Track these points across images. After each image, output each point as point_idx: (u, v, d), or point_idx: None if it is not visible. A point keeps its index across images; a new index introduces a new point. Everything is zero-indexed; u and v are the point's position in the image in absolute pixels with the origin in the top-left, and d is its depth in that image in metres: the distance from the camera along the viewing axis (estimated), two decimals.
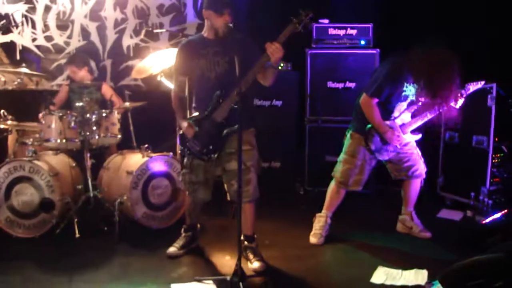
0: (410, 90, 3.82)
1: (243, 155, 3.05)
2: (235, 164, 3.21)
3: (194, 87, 3.56)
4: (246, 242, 3.53)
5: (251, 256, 3.48)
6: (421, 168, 4.07)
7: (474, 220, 4.55)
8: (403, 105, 3.91)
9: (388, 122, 3.88)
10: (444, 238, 4.06)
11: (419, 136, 3.98)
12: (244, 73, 3.13)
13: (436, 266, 3.32)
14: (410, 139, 3.96)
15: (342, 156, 4.02)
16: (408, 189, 4.15)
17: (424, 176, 4.13)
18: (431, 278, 3.09)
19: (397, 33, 5.00)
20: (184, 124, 3.46)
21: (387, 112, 3.89)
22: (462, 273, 2.57)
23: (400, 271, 3.31)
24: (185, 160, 3.56)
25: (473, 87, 3.94)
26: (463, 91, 3.89)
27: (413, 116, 3.96)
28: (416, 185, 4.14)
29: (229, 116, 3.31)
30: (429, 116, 3.89)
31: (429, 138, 4.68)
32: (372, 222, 4.55)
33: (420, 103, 3.90)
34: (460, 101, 3.86)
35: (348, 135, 4.02)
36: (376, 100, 3.78)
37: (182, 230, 3.83)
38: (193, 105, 3.58)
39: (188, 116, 3.62)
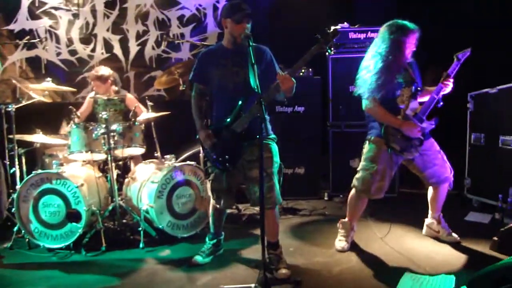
0: (400, 77, 3.75)
1: (264, 162, 3.05)
2: (257, 172, 3.18)
3: (213, 96, 3.57)
4: (270, 250, 3.52)
5: (275, 263, 3.46)
6: (447, 171, 3.97)
7: (503, 222, 4.45)
8: (404, 95, 3.80)
9: (399, 117, 3.76)
10: (472, 242, 3.98)
11: (435, 121, 3.83)
12: (263, 84, 3.09)
13: (464, 271, 3.27)
14: (428, 127, 3.85)
15: (362, 164, 3.92)
16: (435, 194, 4.05)
17: (451, 179, 4.01)
18: (459, 283, 3.04)
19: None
20: (203, 133, 3.49)
21: (392, 106, 3.78)
22: (490, 278, 2.51)
23: (427, 277, 3.25)
24: (208, 168, 3.59)
25: (462, 55, 3.80)
26: (454, 63, 3.75)
27: (421, 103, 3.88)
28: (443, 190, 4.03)
29: (249, 127, 3.33)
30: (436, 97, 3.77)
31: (453, 140, 4.60)
32: (398, 226, 4.48)
33: (421, 89, 3.84)
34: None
35: (367, 142, 3.93)
36: (374, 97, 3.71)
37: (207, 238, 3.85)
38: (213, 113, 3.60)
39: (208, 124, 3.63)
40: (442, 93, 3.76)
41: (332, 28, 3.13)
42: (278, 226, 3.53)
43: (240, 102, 3.35)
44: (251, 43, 3.02)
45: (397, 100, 3.80)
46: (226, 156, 3.41)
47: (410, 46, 3.69)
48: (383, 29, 3.76)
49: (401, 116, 3.76)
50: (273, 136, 3.52)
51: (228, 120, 3.39)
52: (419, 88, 3.81)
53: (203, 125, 3.55)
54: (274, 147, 3.48)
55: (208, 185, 3.62)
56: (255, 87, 3.03)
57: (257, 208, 3.22)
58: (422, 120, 3.77)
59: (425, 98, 3.84)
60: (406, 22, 3.68)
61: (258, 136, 2.98)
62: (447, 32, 5.34)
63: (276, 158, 3.47)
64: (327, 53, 5.66)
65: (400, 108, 3.79)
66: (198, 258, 3.71)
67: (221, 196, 3.58)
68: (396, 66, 3.69)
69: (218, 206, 3.63)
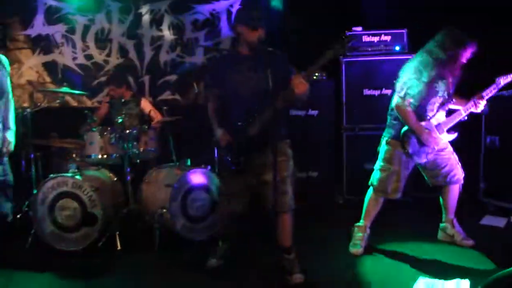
0: (440, 86, 3.77)
1: (279, 166, 3.09)
2: (270, 176, 3.13)
3: (228, 99, 3.55)
4: (284, 254, 3.52)
5: (289, 268, 3.46)
6: (459, 173, 3.98)
7: None
8: (436, 103, 3.84)
9: (423, 123, 3.80)
10: (488, 246, 3.94)
11: (455, 135, 3.89)
12: (278, 89, 3.15)
13: (479, 275, 3.25)
14: (447, 139, 3.88)
15: (379, 164, 3.98)
16: (447, 195, 4.06)
17: (462, 181, 4.03)
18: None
19: (432, 36, 4.95)
20: (220, 131, 3.48)
21: (421, 111, 3.82)
22: (506, 283, 2.49)
23: (441, 281, 3.23)
24: (221, 172, 3.60)
25: (503, 80, 3.83)
26: (493, 86, 3.82)
27: (447, 115, 3.90)
28: (455, 191, 4.04)
29: (263, 131, 3.29)
30: (463, 114, 3.82)
31: (468, 142, 4.58)
32: (412, 231, 4.45)
33: (453, 101, 3.84)
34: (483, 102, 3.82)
35: (384, 142, 3.98)
36: (410, 100, 3.73)
37: (220, 241, 3.83)
38: (228, 116, 3.57)
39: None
40: (470, 111, 3.81)
41: (347, 34, 3.13)
42: (291, 230, 3.52)
43: (253, 106, 3.34)
44: (268, 48, 3.04)
45: (427, 107, 3.82)
46: (241, 158, 3.41)
47: (464, 59, 3.71)
48: (442, 36, 3.74)
49: (424, 123, 3.80)
50: (287, 140, 3.51)
51: (244, 122, 3.38)
52: (452, 101, 3.83)
53: (219, 125, 3.54)
54: (289, 151, 3.48)
55: (219, 188, 3.69)
56: (270, 91, 3.10)
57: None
58: (443, 132, 3.81)
59: (453, 107, 3.88)
60: (465, 34, 3.68)
61: (271, 140, 3.02)
62: None
63: (291, 162, 3.46)
64: (340, 57, 5.68)
65: (427, 115, 3.82)
66: (212, 261, 3.72)
67: (232, 200, 3.57)
68: (445, 76, 3.74)
69: (228, 210, 3.62)
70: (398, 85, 3.82)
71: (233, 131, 3.44)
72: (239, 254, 3.92)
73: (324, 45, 3.13)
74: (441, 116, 3.87)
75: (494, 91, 3.83)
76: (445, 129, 3.85)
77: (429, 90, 3.74)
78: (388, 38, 5.63)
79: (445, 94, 3.83)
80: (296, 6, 6.32)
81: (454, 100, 3.90)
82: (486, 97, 3.82)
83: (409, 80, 3.72)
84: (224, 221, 3.79)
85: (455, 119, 3.86)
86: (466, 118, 3.90)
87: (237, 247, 3.91)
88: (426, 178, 4.06)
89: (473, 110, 3.86)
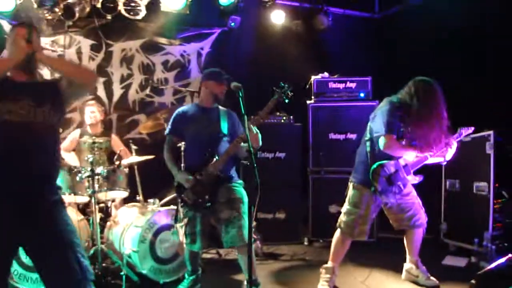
0: (407, 127, 3.92)
1: (235, 204, 3.69)
2: (227, 213, 3.68)
3: (188, 145, 4.03)
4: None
5: None
6: (422, 217, 4.12)
7: (479, 266, 4.57)
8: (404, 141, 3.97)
9: (392, 162, 3.89)
10: (450, 285, 4.10)
11: (420, 178, 4.02)
12: (232, 136, 3.88)
13: None
14: (413, 181, 4.01)
15: (345, 207, 4.06)
16: (411, 238, 4.19)
17: (425, 225, 4.16)
18: None
19: (395, 84, 5.19)
20: (181, 176, 3.83)
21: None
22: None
23: None
24: (182, 212, 3.90)
25: (465, 131, 4.06)
26: (456, 135, 4.01)
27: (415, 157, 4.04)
28: (419, 234, 4.17)
29: (222, 170, 3.76)
30: (429, 158, 3.96)
31: (429, 186, 4.77)
32: (377, 271, 4.55)
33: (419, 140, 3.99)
34: (452, 150, 4.00)
35: (351, 186, 4.08)
36: (394, 136, 3.79)
37: (186, 274, 4.08)
38: (187, 161, 4.01)
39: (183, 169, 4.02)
40: (436, 156, 3.99)
41: (287, 83, 3.67)
42: (254, 263, 3.69)
43: (213, 149, 3.80)
44: (241, 94, 3.18)
45: None
46: (206, 197, 3.74)
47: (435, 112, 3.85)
48: (416, 86, 3.89)
49: (393, 162, 3.91)
50: (240, 181, 3.94)
51: (203, 164, 3.77)
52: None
53: (180, 170, 3.94)
54: (242, 190, 3.86)
55: (181, 230, 3.93)
56: (227, 135, 3.86)
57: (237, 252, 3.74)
58: (409, 173, 3.96)
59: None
60: (438, 90, 3.86)
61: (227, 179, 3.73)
62: None
63: (245, 200, 3.78)
64: (307, 101, 5.87)
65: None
66: None
67: (196, 238, 3.82)
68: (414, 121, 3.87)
69: (193, 250, 3.88)
70: (374, 126, 3.91)
71: (195, 172, 3.78)
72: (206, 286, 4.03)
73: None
74: (409, 157, 4.01)
75: (457, 139, 4.02)
76: (412, 171, 3.99)
77: (398, 131, 3.86)
78: (353, 85, 5.87)
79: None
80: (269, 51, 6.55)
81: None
82: (450, 146, 3.99)
83: (386, 118, 3.80)
84: (189, 259, 4.00)
85: (422, 162, 4.00)
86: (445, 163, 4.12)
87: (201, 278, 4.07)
88: (391, 221, 4.17)
89: (439, 159, 4.02)
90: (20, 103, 2.49)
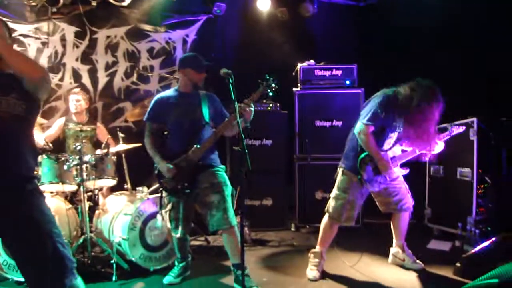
0: (399, 123, 3.99)
1: (218, 188, 3.71)
2: (212, 197, 3.70)
3: (170, 131, 3.96)
4: (238, 270, 3.66)
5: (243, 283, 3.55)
6: (409, 201, 4.21)
7: (463, 249, 4.69)
8: (393, 137, 4.05)
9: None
10: (436, 268, 4.20)
11: (407, 171, 4.13)
12: (216, 120, 3.88)
13: None
14: (399, 173, 4.10)
15: (334, 192, 4.13)
16: (397, 222, 4.28)
17: (412, 209, 4.27)
18: None
19: (380, 72, 5.27)
20: (163, 165, 3.79)
21: (379, 143, 3.99)
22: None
23: None
24: (165, 199, 3.93)
25: (455, 130, 4.14)
26: (446, 133, 4.10)
27: (403, 150, 4.13)
28: (405, 218, 4.27)
29: (203, 158, 3.79)
30: (417, 152, 4.05)
31: (415, 171, 4.86)
32: (364, 255, 4.61)
33: (409, 138, 4.06)
34: (439, 147, 4.07)
35: (340, 172, 4.14)
36: (372, 128, 3.88)
37: (176, 261, 4.13)
38: (169, 147, 3.93)
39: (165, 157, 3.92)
40: (422, 151, 4.06)
41: (272, 75, 3.69)
42: (238, 247, 3.62)
43: (195, 136, 3.80)
44: (231, 80, 3.20)
45: (385, 140, 4.02)
46: (185, 184, 3.76)
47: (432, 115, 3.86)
48: (417, 86, 3.86)
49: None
50: (222, 166, 3.97)
51: (185, 151, 3.77)
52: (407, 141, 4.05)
53: (161, 159, 3.86)
54: (224, 174, 3.89)
55: (166, 216, 3.94)
56: (209, 122, 3.84)
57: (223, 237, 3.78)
58: (396, 165, 4.04)
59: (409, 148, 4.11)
60: (438, 93, 3.84)
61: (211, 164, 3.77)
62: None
63: (228, 183, 3.84)
64: (293, 89, 5.90)
65: (383, 147, 4.02)
66: (169, 279, 3.99)
67: (179, 224, 3.88)
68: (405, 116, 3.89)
69: (177, 235, 3.92)
70: (363, 112, 3.99)
71: (177, 159, 3.79)
72: (195, 283, 4.03)
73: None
74: (397, 149, 4.10)
75: (447, 137, 4.11)
76: (398, 163, 4.08)
77: (389, 124, 3.94)
78: (339, 72, 5.91)
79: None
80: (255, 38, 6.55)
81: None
82: (440, 141, 4.07)
83: (373, 109, 3.88)
84: (177, 245, 4.05)
85: (409, 155, 4.09)
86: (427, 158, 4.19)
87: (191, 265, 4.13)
88: (378, 205, 4.25)
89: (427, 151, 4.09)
90: None
